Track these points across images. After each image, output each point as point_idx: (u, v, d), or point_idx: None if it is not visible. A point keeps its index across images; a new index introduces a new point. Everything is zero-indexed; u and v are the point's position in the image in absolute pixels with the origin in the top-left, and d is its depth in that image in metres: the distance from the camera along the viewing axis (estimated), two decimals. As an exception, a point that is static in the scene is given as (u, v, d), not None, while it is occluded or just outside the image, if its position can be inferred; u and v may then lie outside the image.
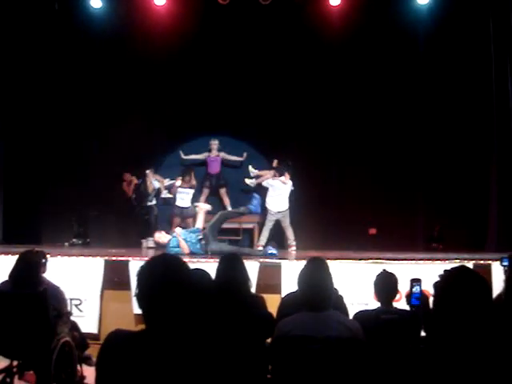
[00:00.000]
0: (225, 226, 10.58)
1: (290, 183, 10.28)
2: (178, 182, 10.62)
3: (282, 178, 10.25)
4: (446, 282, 2.61)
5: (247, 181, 10.87)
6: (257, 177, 10.78)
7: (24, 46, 11.09)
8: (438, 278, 2.69)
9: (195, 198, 10.82)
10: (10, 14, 10.71)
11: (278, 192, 10.24)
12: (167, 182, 11.12)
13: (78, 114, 11.54)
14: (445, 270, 2.65)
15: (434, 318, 2.66)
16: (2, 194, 10.87)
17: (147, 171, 10.87)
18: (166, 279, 2.20)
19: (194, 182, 10.76)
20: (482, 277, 2.57)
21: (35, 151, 11.43)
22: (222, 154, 11.27)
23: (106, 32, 11.16)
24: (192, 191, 10.73)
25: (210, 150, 11.31)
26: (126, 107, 11.55)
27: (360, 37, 11.10)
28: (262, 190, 10.35)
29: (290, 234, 10.25)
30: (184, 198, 10.67)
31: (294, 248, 10.19)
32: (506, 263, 5.15)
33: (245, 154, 11.27)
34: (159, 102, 11.62)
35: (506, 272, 5.08)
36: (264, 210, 9.79)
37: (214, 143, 11.20)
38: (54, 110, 11.55)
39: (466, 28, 10.78)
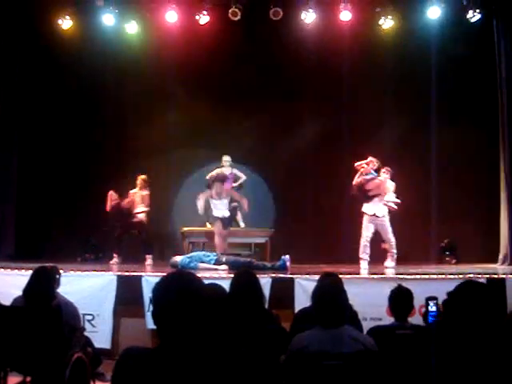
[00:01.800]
0: (236, 240, 10.64)
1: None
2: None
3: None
4: (451, 299, 2.60)
5: None
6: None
7: (37, 60, 11.23)
8: (447, 297, 2.68)
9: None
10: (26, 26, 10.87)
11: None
12: None
13: (91, 129, 11.62)
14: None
15: (443, 334, 2.65)
16: (14, 210, 10.93)
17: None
18: (181, 295, 2.20)
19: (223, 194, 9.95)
20: (490, 289, 2.56)
21: (48, 166, 11.51)
22: (235, 171, 11.17)
23: (119, 49, 11.26)
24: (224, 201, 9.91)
25: (221, 167, 11.21)
26: (138, 125, 11.65)
27: (370, 51, 11.12)
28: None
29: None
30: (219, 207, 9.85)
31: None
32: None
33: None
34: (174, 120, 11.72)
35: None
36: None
37: (226, 160, 11.11)
38: (66, 124, 11.63)
39: (476, 43, 10.82)
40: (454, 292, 2.65)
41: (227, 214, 9.79)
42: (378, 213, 9.75)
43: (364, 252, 9.66)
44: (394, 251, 9.79)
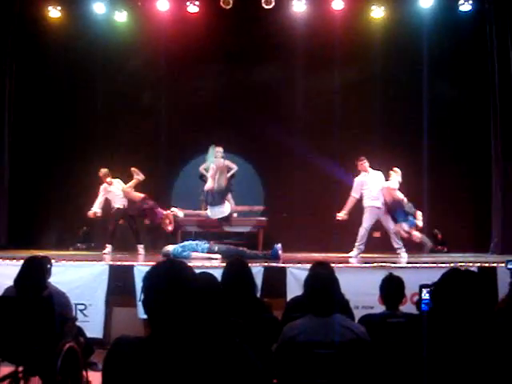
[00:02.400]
0: (229, 229, 10.63)
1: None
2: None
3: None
4: (438, 289, 2.61)
5: None
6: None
7: (29, 50, 11.17)
8: (432, 287, 2.69)
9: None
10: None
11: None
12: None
13: (82, 118, 11.58)
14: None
15: (432, 324, 2.66)
16: (7, 200, 10.89)
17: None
18: (171, 284, 2.20)
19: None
20: (476, 278, 2.56)
21: (39, 155, 11.49)
22: (227, 162, 11.11)
23: (109, 37, 11.20)
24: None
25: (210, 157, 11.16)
26: (129, 116, 11.63)
27: (363, 41, 11.11)
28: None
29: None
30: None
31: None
32: (511, 266, 5.12)
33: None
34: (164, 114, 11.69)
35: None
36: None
37: (218, 151, 11.06)
38: (56, 114, 11.60)
39: (468, 32, 10.83)
40: (439, 282, 2.65)
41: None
42: (378, 203, 9.79)
43: (361, 242, 9.67)
44: (398, 244, 9.72)
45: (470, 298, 2.48)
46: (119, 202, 10.34)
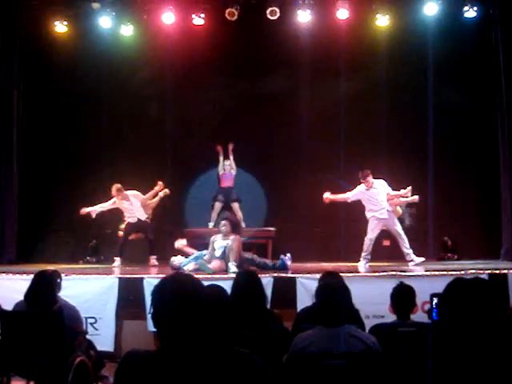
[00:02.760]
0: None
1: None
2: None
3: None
4: (443, 299, 2.60)
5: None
6: None
7: (36, 65, 11.26)
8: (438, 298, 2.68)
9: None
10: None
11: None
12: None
13: (89, 132, 11.64)
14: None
15: (439, 331, 2.65)
16: (16, 214, 10.93)
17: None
18: (180, 297, 2.20)
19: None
20: (483, 285, 2.55)
21: (48, 169, 11.54)
22: (233, 172, 11.22)
23: (115, 51, 11.26)
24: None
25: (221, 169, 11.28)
26: (135, 129, 11.70)
27: (368, 50, 11.12)
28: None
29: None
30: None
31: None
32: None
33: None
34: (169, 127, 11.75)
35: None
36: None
37: (227, 164, 11.16)
38: (64, 128, 11.66)
39: (473, 38, 10.83)
40: (444, 292, 2.64)
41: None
42: (383, 215, 9.71)
43: (367, 252, 9.64)
44: (407, 248, 9.66)
45: (476, 306, 2.46)
46: (131, 216, 10.32)
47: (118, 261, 10.07)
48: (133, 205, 10.26)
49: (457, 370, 2.41)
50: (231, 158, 11.23)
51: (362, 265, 9.50)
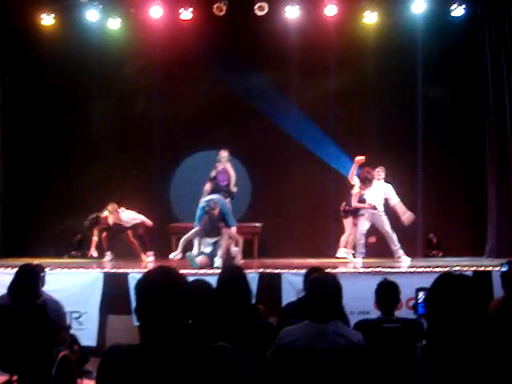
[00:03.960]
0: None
1: None
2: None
3: None
4: (431, 294, 2.61)
5: None
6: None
7: (22, 58, 11.18)
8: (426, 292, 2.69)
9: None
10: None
11: None
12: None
13: (75, 126, 11.56)
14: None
15: (428, 329, 2.65)
16: (0, 208, 10.84)
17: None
18: (163, 291, 2.20)
19: None
20: (470, 282, 2.56)
21: (34, 163, 11.45)
22: (228, 165, 10.94)
23: (102, 45, 11.19)
24: None
25: (217, 161, 10.98)
26: (123, 123, 11.63)
27: (356, 47, 11.15)
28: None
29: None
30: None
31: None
32: (505, 269, 5.11)
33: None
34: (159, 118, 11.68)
35: (504, 278, 5.04)
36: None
37: (224, 155, 10.79)
38: (50, 122, 11.58)
39: (461, 36, 10.88)
40: (432, 287, 2.65)
41: None
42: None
43: (361, 248, 9.66)
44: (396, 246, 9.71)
45: (464, 302, 2.47)
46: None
47: (108, 255, 9.99)
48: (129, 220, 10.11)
49: (445, 366, 2.42)
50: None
51: (359, 261, 9.46)
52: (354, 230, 9.81)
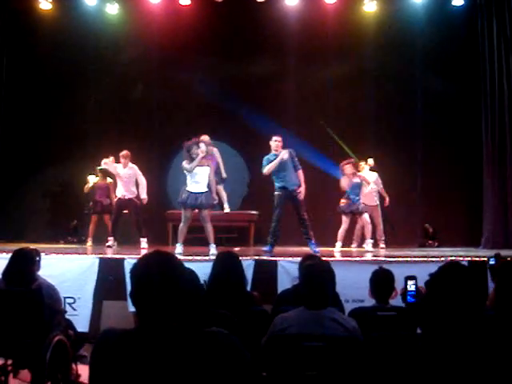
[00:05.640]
0: (219, 223, 10.58)
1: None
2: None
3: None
4: (435, 280, 2.61)
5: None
6: None
7: (20, 42, 11.11)
8: (429, 277, 2.69)
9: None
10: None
11: None
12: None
13: (72, 112, 11.52)
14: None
15: (426, 316, 2.65)
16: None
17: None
18: (159, 276, 2.19)
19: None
20: (472, 272, 2.56)
21: (29, 148, 11.43)
22: (215, 150, 10.90)
23: (100, 29, 11.14)
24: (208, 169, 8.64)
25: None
26: (120, 109, 11.60)
27: (355, 35, 11.11)
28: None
29: None
30: (199, 180, 8.52)
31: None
32: (492, 262, 5.13)
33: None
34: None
35: (492, 271, 5.05)
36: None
37: (206, 139, 10.82)
38: (46, 106, 11.54)
39: (460, 26, 10.86)
40: (437, 273, 2.65)
41: None
42: (369, 202, 10.25)
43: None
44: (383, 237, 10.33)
45: (466, 292, 2.48)
46: (125, 191, 9.97)
47: (111, 240, 9.92)
48: (131, 177, 9.98)
49: (441, 354, 2.43)
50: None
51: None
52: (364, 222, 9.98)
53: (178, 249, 8.26)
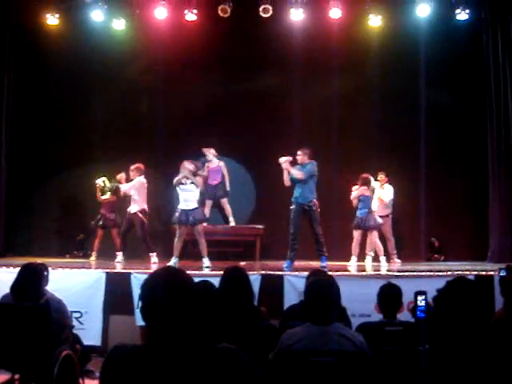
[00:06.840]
0: (226, 237, 10.61)
1: None
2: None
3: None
4: (443, 295, 2.61)
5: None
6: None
7: (27, 58, 11.22)
8: (436, 293, 2.69)
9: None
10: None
11: None
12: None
13: (80, 127, 11.57)
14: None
15: (434, 331, 2.66)
16: (3, 207, 10.86)
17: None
18: (170, 292, 2.20)
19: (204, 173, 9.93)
20: (479, 286, 2.57)
21: (37, 163, 11.46)
22: (222, 164, 11.02)
23: (107, 45, 11.21)
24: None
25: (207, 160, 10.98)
26: (127, 123, 11.68)
27: (360, 50, 11.15)
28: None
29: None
30: (188, 197, 9.20)
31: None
32: (503, 274, 5.12)
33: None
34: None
35: (502, 284, 5.04)
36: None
37: (212, 151, 10.94)
38: (55, 122, 11.60)
39: (465, 40, 10.89)
40: (445, 288, 2.66)
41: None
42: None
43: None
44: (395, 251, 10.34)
45: (472, 306, 2.49)
46: (135, 203, 9.92)
47: (120, 255, 9.91)
48: (140, 191, 9.94)
49: (448, 365, 2.43)
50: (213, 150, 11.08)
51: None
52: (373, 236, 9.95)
53: (171, 262, 8.78)
